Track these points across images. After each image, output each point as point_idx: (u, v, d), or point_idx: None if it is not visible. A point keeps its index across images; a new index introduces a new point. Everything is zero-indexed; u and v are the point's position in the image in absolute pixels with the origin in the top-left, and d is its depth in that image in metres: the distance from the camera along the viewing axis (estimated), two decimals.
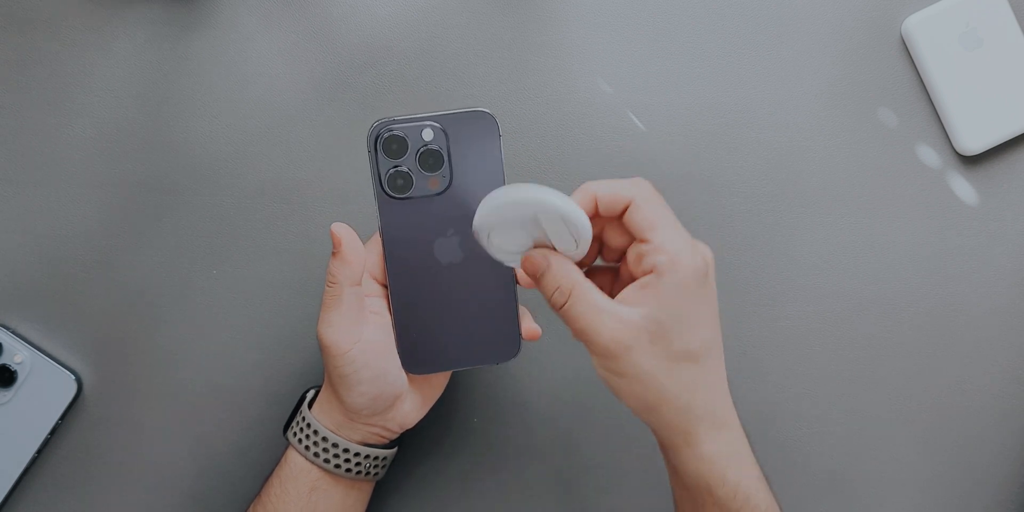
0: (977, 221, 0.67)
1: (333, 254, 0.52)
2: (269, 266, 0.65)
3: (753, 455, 0.52)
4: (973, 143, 0.66)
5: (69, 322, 0.65)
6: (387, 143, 0.52)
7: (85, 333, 0.65)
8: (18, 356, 0.63)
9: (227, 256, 0.65)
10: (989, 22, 0.65)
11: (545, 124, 0.66)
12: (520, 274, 0.54)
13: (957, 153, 0.66)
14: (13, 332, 0.64)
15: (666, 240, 0.48)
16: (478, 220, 0.49)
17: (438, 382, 0.58)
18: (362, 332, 0.53)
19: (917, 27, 0.65)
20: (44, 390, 0.63)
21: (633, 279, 0.50)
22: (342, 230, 0.52)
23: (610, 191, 0.49)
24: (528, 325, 0.55)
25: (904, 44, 0.66)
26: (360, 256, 0.53)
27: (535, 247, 0.50)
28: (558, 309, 0.49)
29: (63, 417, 0.64)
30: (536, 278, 0.50)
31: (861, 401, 0.66)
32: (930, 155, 0.67)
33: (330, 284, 0.53)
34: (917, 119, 0.67)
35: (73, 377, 0.64)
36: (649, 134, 0.66)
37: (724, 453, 0.50)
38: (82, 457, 0.65)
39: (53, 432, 0.64)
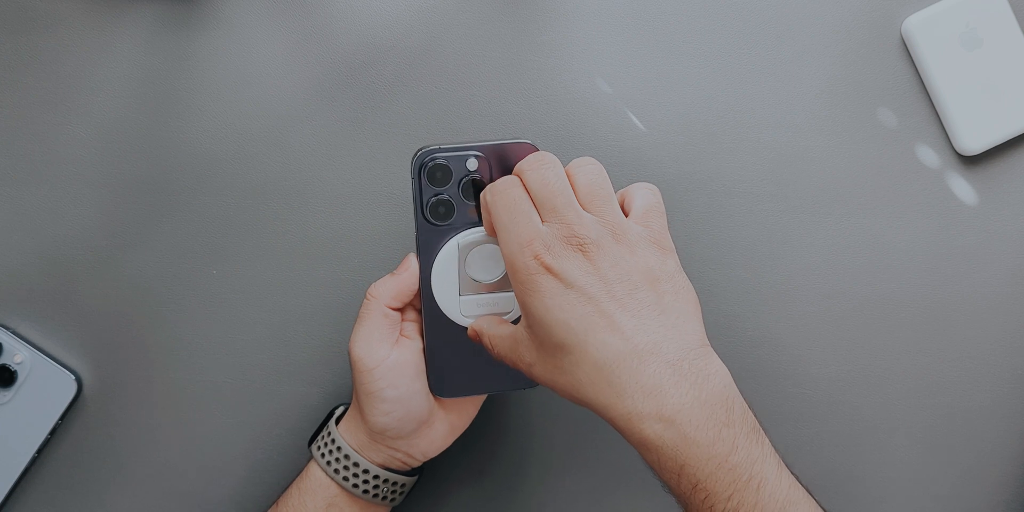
0: (977, 221, 0.67)
1: (391, 275, 0.55)
2: (269, 266, 0.65)
3: None
4: (973, 143, 0.66)
5: (69, 322, 0.65)
6: (431, 171, 0.53)
7: (85, 333, 0.65)
8: (18, 356, 0.63)
9: (227, 256, 0.65)
10: (989, 22, 0.65)
11: (545, 124, 0.66)
12: None
13: (957, 153, 0.66)
14: (13, 332, 0.64)
15: None
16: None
17: (466, 411, 0.58)
18: (391, 351, 0.54)
19: (917, 27, 0.65)
20: (44, 390, 0.63)
21: None
22: (414, 261, 0.54)
23: None
24: None
25: (904, 44, 0.66)
26: (410, 286, 0.54)
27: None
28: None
29: (63, 417, 0.64)
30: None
31: (861, 401, 0.66)
32: (930, 155, 0.67)
33: (367, 298, 0.54)
34: (917, 119, 0.66)
35: (73, 377, 0.64)
36: (649, 134, 0.66)
37: None
38: (82, 457, 0.65)
39: (53, 432, 0.64)
